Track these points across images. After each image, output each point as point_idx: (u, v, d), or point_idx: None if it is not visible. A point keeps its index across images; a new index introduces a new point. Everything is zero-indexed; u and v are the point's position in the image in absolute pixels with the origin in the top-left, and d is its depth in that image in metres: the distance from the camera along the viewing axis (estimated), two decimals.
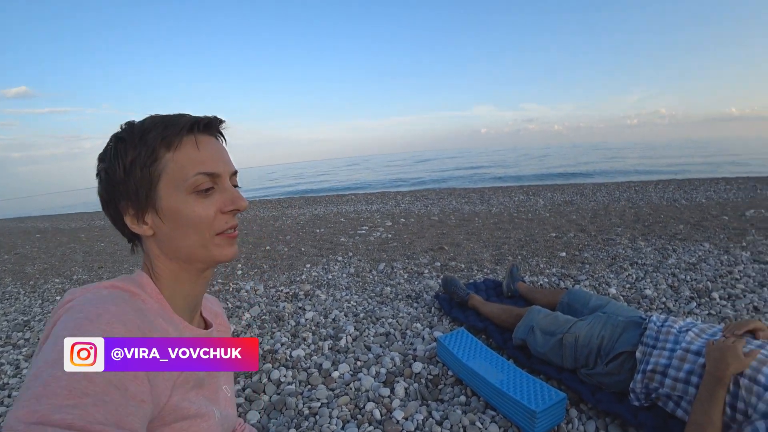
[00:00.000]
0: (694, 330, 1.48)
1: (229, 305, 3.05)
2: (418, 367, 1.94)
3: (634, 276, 2.90)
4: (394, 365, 1.99)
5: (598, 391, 1.64)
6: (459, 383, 1.84)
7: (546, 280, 2.96)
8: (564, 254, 3.52)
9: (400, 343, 2.24)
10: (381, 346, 2.20)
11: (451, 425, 1.54)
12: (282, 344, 2.29)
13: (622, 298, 2.54)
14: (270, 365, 2.08)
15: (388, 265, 3.73)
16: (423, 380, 1.87)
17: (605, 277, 2.90)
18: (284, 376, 1.97)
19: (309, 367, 2.05)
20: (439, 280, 3.08)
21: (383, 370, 1.95)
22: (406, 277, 3.36)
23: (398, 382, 1.84)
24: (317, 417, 1.64)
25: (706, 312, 2.29)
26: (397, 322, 2.49)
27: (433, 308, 2.66)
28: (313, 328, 2.51)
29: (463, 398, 1.73)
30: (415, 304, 2.77)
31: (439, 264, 3.60)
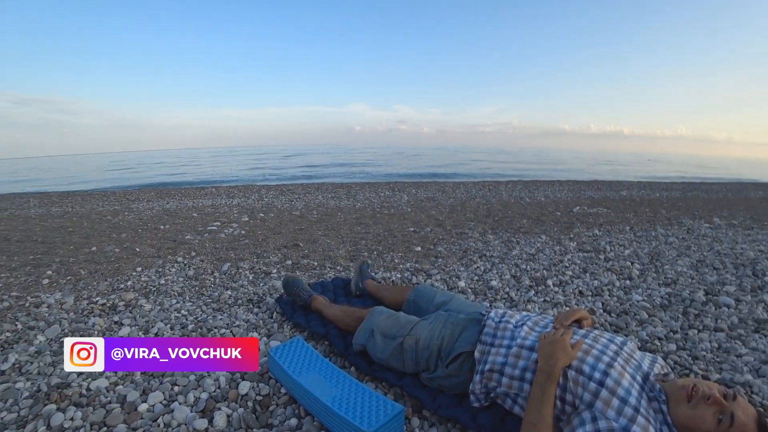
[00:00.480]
0: (528, 324, 1.41)
1: (18, 326, 2.27)
2: (245, 387, 1.60)
3: (482, 268, 2.94)
4: (218, 388, 1.62)
5: (439, 394, 1.50)
6: (293, 402, 1.55)
7: (399, 275, 2.85)
8: (419, 248, 3.48)
9: None
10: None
11: None
12: (79, 374, 1.72)
13: (470, 290, 2.52)
14: (54, 405, 1.53)
15: (234, 265, 3.29)
16: (250, 402, 1.55)
17: (456, 270, 2.89)
18: (70, 419, 1.47)
19: (109, 402, 1.57)
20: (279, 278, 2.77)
21: (204, 395, 1.57)
22: (251, 278, 2.97)
23: (219, 409, 1.49)
24: None
25: (542, 299, 2.37)
26: (231, 332, 2.11)
27: (275, 313, 2.33)
28: None
29: (294, 421, 1.45)
30: (255, 310, 2.41)
31: (290, 262, 3.28)
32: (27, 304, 2.68)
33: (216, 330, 2.14)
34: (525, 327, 1.39)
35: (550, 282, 2.62)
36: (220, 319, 2.28)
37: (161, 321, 2.29)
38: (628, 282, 2.69)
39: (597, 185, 10.63)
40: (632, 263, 3.10)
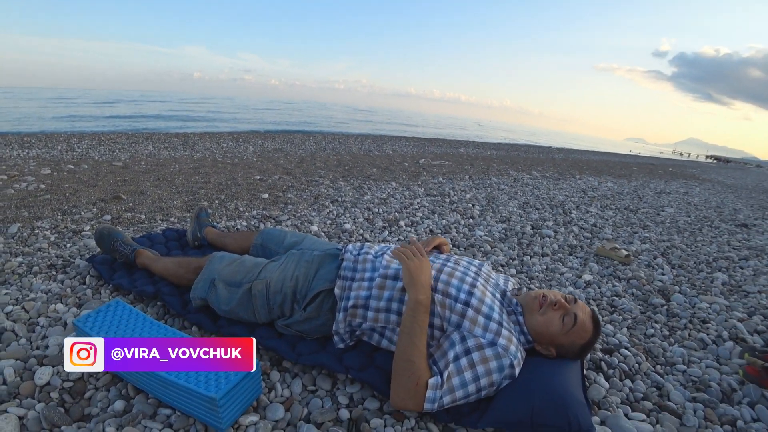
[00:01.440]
0: (388, 253, 1.34)
1: None
2: (45, 374, 1.21)
3: (334, 212, 2.84)
4: (3, 383, 1.21)
5: (299, 342, 1.35)
6: (117, 381, 1.24)
7: (245, 223, 2.56)
8: (267, 196, 3.20)
9: (21, 342, 1.40)
10: None
11: None
12: None
13: (323, 234, 2.40)
14: None
15: (27, 225, 2.57)
16: (55, 393, 1.18)
17: (308, 216, 2.73)
18: None
19: None
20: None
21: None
22: (53, 239, 2.34)
23: (6, 411, 1.10)
24: None
25: (396, 238, 2.37)
26: (22, 308, 1.60)
27: (87, 277, 1.86)
28: None
29: (120, 404, 1.14)
30: (60, 276, 1.88)
31: (109, 217, 2.69)
32: None
33: (4, 308, 1.61)
34: (385, 256, 1.31)
35: (402, 223, 2.66)
36: (5, 293, 1.73)
37: None
38: (471, 221, 2.93)
39: (439, 143, 11.63)
40: (473, 205, 3.39)
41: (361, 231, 2.48)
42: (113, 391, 1.20)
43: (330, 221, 2.64)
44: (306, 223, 2.59)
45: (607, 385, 1.34)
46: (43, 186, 3.61)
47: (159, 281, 1.70)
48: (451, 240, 2.49)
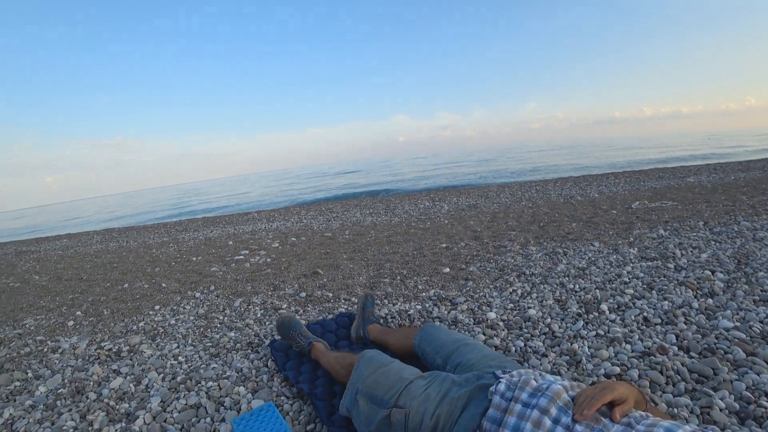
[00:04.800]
0: (539, 408, 0.92)
1: (29, 374, 2.16)
2: None
3: (519, 292, 2.40)
4: None
5: None
6: None
7: (419, 306, 2.38)
8: (448, 270, 2.99)
9: (206, 421, 1.53)
10: (182, 428, 1.50)
11: None
12: None
13: (501, 324, 2.01)
14: None
15: (246, 300, 2.98)
16: None
17: (487, 297, 2.37)
18: None
19: None
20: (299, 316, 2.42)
21: None
22: (259, 315, 2.63)
23: None
24: None
25: (594, 332, 1.80)
26: (218, 385, 1.77)
27: (269, 361, 1.97)
28: (112, 403, 1.74)
29: None
30: (252, 356, 2.05)
31: (304, 294, 2.91)
32: (45, 350, 2.57)
33: (205, 382, 1.82)
34: (534, 413, 0.91)
35: (604, 306, 2.05)
36: (213, 368, 1.96)
37: (156, 370, 2.03)
38: (710, 300, 2.03)
39: (658, 173, 9.36)
40: (713, 272, 2.41)
41: (549, 319, 1.99)
42: None
43: (512, 305, 2.23)
44: (484, 307, 2.25)
45: None
46: (269, 260, 4.25)
47: (320, 378, 1.66)
48: (676, 338, 1.69)
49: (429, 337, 1.52)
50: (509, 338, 1.85)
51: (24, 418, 1.72)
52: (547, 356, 1.66)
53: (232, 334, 2.38)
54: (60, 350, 2.53)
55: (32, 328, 3.16)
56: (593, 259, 2.90)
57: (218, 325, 2.55)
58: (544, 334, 1.86)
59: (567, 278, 2.54)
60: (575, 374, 1.52)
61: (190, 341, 2.37)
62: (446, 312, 2.22)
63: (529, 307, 2.13)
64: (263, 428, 1.32)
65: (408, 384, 1.17)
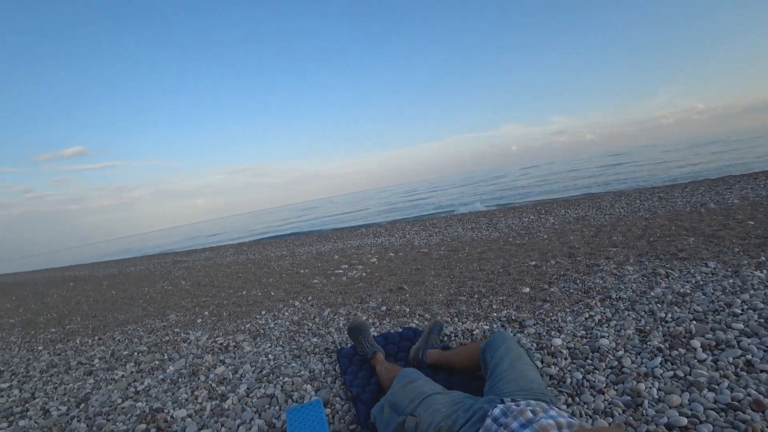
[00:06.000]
0: None
1: (165, 356, 2.83)
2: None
3: (597, 318, 2.19)
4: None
5: None
6: None
7: (487, 326, 2.32)
8: (528, 290, 2.85)
9: (275, 409, 1.83)
10: (257, 411, 1.83)
11: None
12: (175, 402, 2.06)
13: (566, 351, 1.88)
14: (144, 426, 1.89)
15: (334, 310, 3.22)
16: None
17: (559, 322, 2.22)
18: None
19: (170, 424, 1.85)
20: (373, 329, 2.57)
21: None
22: (341, 325, 2.84)
23: None
24: None
25: (671, 372, 1.58)
26: (292, 381, 2.05)
27: (337, 366, 2.16)
28: (214, 385, 2.19)
29: None
30: (326, 360, 2.27)
31: (384, 308, 3.04)
32: (178, 339, 3.18)
33: (282, 378, 2.13)
34: None
35: (696, 342, 1.76)
36: (292, 367, 2.26)
37: (250, 363, 2.42)
38: None
39: None
40: None
41: (621, 351, 1.78)
42: None
43: (584, 331, 2.05)
44: (554, 332, 2.11)
45: None
46: (364, 274, 4.48)
47: (371, 385, 1.81)
48: None
49: (493, 345, 1.50)
50: (569, 368, 1.73)
51: (156, 387, 2.33)
52: (603, 393, 1.51)
53: (314, 339, 2.63)
54: (188, 341, 3.11)
55: (173, 321, 3.84)
56: (701, 282, 2.51)
57: (306, 331, 2.82)
58: (611, 367, 1.69)
59: (660, 305, 2.24)
60: (630, 418, 1.37)
61: (280, 343, 2.69)
62: (512, 334, 2.14)
63: (602, 336, 1.95)
64: (309, 419, 1.51)
65: (426, 397, 1.25)
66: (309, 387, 1.96)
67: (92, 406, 2.24)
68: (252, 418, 1.78)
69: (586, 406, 1.47)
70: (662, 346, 1.79)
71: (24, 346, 3.97)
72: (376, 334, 2.49)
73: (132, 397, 2.26)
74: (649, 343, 1.84)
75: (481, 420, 1.05)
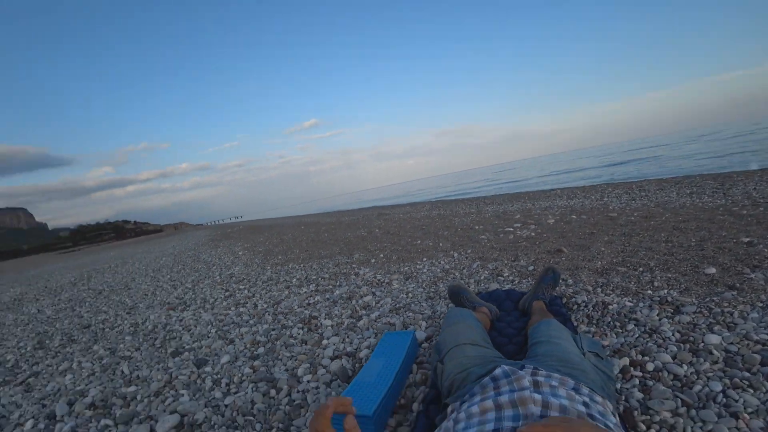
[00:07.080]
0: (496, 402, 0.82)
1: (337, 283, 3.51)
2: (363, 353, 1.92)
3: None
4: (355, 348, 2.01)
5: None
6: None
7: (631, 303, 1.97)
8: (714, 271, 2.22)
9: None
10: (375, 333, 2.16)
11: None
12: (327, 315, 2.62)
13: (720, 354, 1.46)
14: (302, 325, 2.51)
15: (482, 264, 3.24)
16: (350, 362, 1.86)
17: (734, 316, 1.68)
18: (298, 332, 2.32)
19: (317, 327, 2.41)
20: (508, 285, 2.53)
21: (348, 348, 2.03)
22: (484, 276, 2.88)
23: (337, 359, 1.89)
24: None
25: None
26: (412, 317, 2.30)
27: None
28: (358, 308, 2.66)
29: None
30: (452, 305, 2.38)
31: (532, 268, 2.90)
32: (350, 273, 3.80)
33: (408, 312, 2.39)
34: (489, 402, 0.82)
35: None
36: (422, 306, 2.49)
37: (391, 297, 2.78)
38: None
39: None
40: None
41: None
42: None
43: (766, 334, 1.55)
44: (716, 327, 1.63)
45: None
46: (533, 234, 4.28)
47: None
48: None
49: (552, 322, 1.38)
50: (708, 373, 1.33)
51: (321, 303, 2.94)
52: (737, 419, 1.11)
53: (441, 286, 2.78)
54: (357, 274, 3.64)
55: (355, 259, 4.52)
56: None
57: (449, 279, 2.95)
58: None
59: None
60: None
61: (423, 285, 2.92)
62: (657, 318, 1.78)
63: None
64: (397, 344, 1.68)
65: (456, 346, 1.26)
66: (424, 324, 2.13)
67: (280, 307, 2.98)
68: (370, 337, 2.11)
69: (695, 424, 1.13)
70: None
71: (260, 265, 5.35)
72: (490, 291, 2.44)
73: (304, 306, 2.88)
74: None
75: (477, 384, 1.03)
